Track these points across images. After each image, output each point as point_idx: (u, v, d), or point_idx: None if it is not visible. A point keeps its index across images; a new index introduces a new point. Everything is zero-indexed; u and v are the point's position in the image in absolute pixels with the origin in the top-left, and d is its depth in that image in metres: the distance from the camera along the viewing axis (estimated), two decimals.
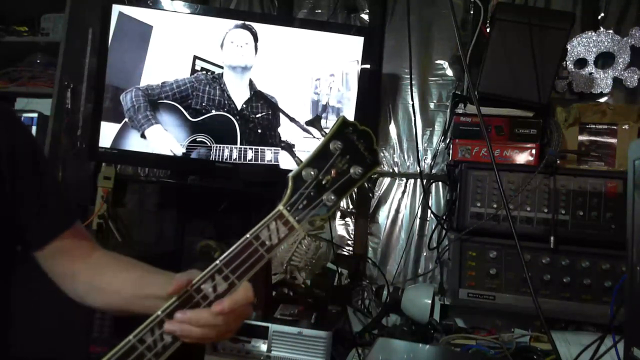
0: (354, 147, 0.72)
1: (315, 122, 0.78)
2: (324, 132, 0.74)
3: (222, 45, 1.87)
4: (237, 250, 0.70)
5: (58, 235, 0.93)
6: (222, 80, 1.87)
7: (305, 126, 1.84)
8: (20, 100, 2.25)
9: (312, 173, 0.71)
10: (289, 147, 0.79)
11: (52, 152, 2.07)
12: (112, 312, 0.97)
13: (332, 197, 0.72)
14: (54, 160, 2.07)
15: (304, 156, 0.77)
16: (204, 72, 1.87)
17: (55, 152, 2.09)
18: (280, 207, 0.71)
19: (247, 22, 1.86)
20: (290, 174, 0.71)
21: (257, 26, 1.86)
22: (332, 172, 0.71)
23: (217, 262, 0.70)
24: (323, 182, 0.71)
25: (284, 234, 0.71)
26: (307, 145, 1.83)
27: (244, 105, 1.87)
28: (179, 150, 1.87)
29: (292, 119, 1.83)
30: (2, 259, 0.92)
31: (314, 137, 1.83)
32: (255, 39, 1.86)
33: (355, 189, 0.74)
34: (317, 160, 0.72)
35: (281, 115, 1.86)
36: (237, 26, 1.86)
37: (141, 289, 0.86)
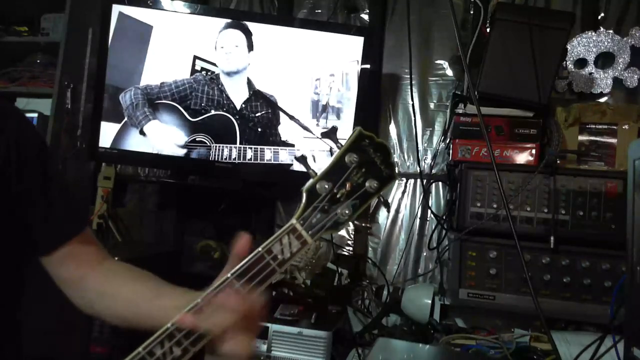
0: (371, 160, 0.70)
1: (331, 133, 0.75)
2: (340, 144, 0.71)
3: (215, 48, 1.86)
4: (248, 263, 0.69)
5: (67, 241, 0.91)
6: (220, 81, 1.87)
7: (304, 125, 1.84)
8: (20, 100, 2.25)
9: (327, 186, 0.69)
10: (303, 159, 0.76)
11: (52, 152, 2.07)
12: (119, 323, 0.90)
13: (347, 212, 0.69)
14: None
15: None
16: (203, 72, 1.87)
17: (55, 152, 2.09)
18: (294, 220, 0.69)
19: (236, 20, 1.85)
20: (304, 187, 0.70)
21: (256, 26, 1.85)
22: (347, 185, 0.69)
23: (229, 275, 0.69)
24: (337, 196, 0.69)
25: (296, 248, 0.69)
26: (307, 144, 1.84)
27: (243, 105, 1.87)
28: (181, 142, 1.87)
29: (291, 117, 1.83)
30: (10, 262, 0.92)
31: (315, 136, 1.83)
32: (248, 35, 1.85)
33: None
34: (332, 173, 0.70)
35: (281, 113, 1.86)
36: (227, 25, 1.85)
37: (156, 299, 0.82)
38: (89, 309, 0.91)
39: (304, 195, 0.69)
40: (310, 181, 0.70)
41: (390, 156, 0.72)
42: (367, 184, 0.70)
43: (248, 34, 1.85)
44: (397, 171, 2.07)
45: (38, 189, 0.90)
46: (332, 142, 0.73)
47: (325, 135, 0.76)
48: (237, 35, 1.85)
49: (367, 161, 0.70)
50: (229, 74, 1.87)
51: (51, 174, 0.93)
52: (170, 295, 0.80)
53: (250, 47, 1.86)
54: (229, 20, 1.85)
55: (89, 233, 0.96)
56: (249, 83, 1.87)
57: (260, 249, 0.69)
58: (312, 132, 1.84)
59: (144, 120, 1.87)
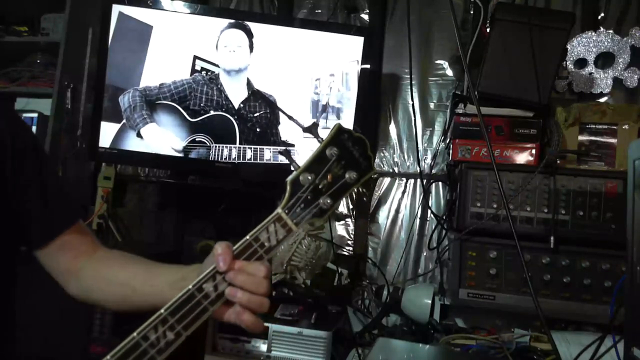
0: (349, 153, 0.75)
1: (312, 128, 0.80)
2: (321, 138, 0.76)
3: (216, 47, 1.86)
4: (237, 251, 0.72)
5: (62, 232, 0.93)
6: (219, 81, 1.87)
7: (302, 124, 1.84)
8: (20, 100, 2.25)
9: (310, 178, 0.73)
10: (287, 152, 0.82)
11: (52, 152, 2.07)
12: (115, 307, 0.94)
13: (329, 201, 0.74)
14: (54, 160, 2.08)
15: (303, 157, 0.78)
16: (202, 72, 1.87)
17: (55, 152, 2.09)
18: (279, 210, 0.73)
19: (239, 21, 1.85)
20: (288, 179, 0.74)
21: (256, 26, 1.85)
22: (329, 176, 0.74)
23: (213, 267, 0.72)
24: (320, 187, 0.74)
25: (282, 236, 0.73)
26: (307, 144, 1.84)
27: (242, 105, 1.87)
28: (177, 146, 1.87)
29: (290, 117, 1.83)
30: (4, 258, 0.92)
31: (314, 137, 1.83)
32: (250, 36, 1.85)
33: (353, 192, 0.77)
34: (314, 166, 0.74)
35: (280, 114, 1.86)
36: (230, 25, 1.85)
37: (150, 278, 0.85)
38: (86, 297, 0.93)
39: (288, 186, 0.74)
40: (294, 173, 0.74)
41: (368, 149, 0.77)
42: (346, 175, 0.75)
43: (249, 34, 1.85)
44: (396, 170, 2.10)
45: (32, 185, 0.92)
46: (314, 136, 0.76)
47: (307, 130, 0.81)
48: (240, 35, 1.85)
49: (346, 154, 0.75)
50: (230, 72, 1.86)
51: (44, 169, 0.95)
52: (163, 273, 0.84)
53: (251, 47, 1.86)
54: (231, 21, 1.85)
55: (82, 224, 0.99)
56: (249, 83, 1.87)
57: (248, 237, 0.73)
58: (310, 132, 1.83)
59: (141, 123, 1.87)
